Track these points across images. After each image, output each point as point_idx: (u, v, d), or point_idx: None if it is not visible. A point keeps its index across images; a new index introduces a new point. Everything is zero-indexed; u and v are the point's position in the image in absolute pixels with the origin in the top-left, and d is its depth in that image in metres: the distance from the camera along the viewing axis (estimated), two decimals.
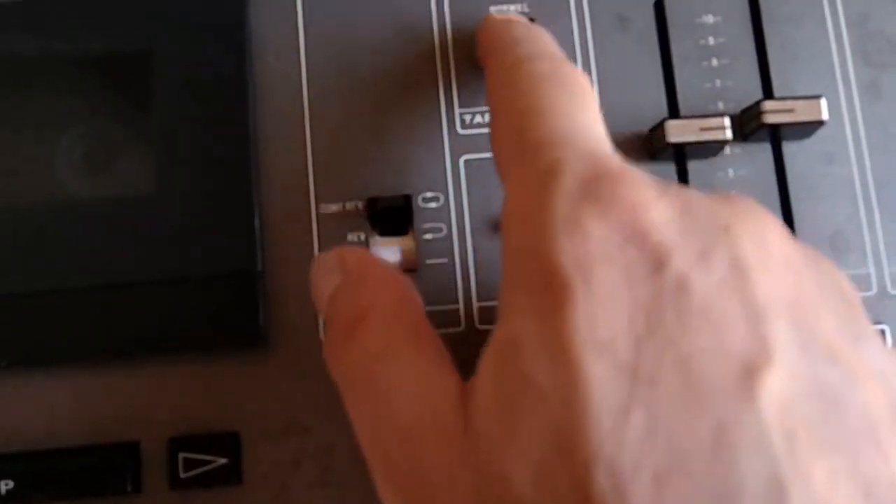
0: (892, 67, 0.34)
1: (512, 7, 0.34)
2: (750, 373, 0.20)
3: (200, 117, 0.33)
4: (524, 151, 0.24)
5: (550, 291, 0.21)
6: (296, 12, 0.34)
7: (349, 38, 0.34)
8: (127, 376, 0.32)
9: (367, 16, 0.34)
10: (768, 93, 0.33)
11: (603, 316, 0.20)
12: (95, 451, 0.31)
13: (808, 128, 0.32)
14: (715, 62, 0.33)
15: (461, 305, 0.32)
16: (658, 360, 0.20)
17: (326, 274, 0.29)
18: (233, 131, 0.33)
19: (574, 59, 0.34)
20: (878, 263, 0.32)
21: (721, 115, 0.32)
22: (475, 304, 0.32)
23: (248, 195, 0.32)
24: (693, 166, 0.33)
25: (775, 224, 0.23)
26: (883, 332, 0.31)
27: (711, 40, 0.34)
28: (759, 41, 0.33)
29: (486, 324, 0.32)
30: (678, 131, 0.31)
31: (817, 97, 0.31)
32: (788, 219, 0.33)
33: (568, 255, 0.21)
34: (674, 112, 0.33)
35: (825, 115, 0.31)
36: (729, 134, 0.31)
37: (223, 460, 0.31)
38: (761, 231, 0.22)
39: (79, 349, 0.31)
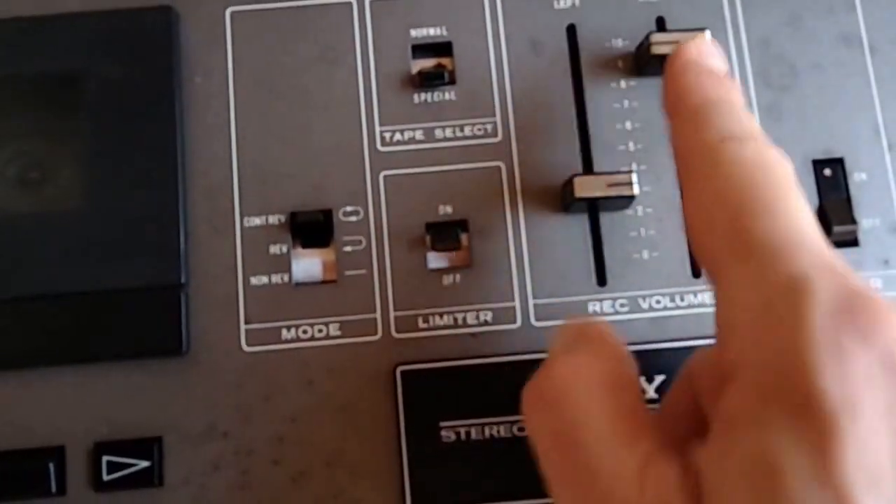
0: (791, 90, 0.35)
1: (432, 30, 0.36)
2: None
3: (130, 134, 0.34)
4: (749, 251, 0.24)
5: (816, 420, 0.20)
6: (224, 34, 0.35)
7: (274, 59, 0.35)
8: (53, 383, 0.33)
9: (291, 38, 0.35)
10: None
11: (872, 450, 0.20)
12: (21, 455, 0.32)
13: None
14: (623, 84, 0.35)
15: (378, 314, 0.34)
16: None
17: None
18: (160, 148, 0.34)
19: (490, 80, 0.35)
20: None
21: (628, 172, 0.33)
22: (392, 314, 0.34)
23: (174, 210, 0.34)
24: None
25: None
26: None
27: (620, 63, 0.35)
28: None
29: (403, 333, 0.33)
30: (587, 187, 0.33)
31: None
32: None
33: (834, 382, 0.20)
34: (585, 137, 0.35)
35: None
36: (636, 189, 0.33)
37: (145, 463, 0.32)
38: None
39: (6, 357, 0.33)
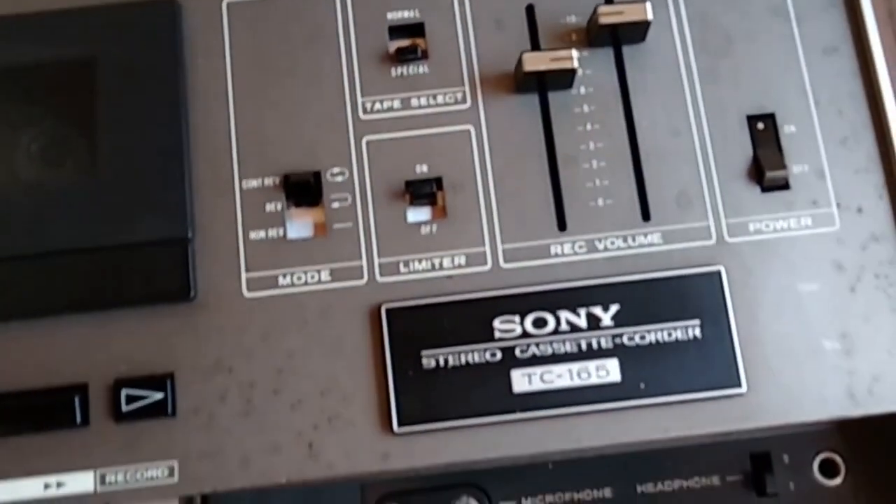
0: (727, 55, 0.40)
1: (406, 13, 0.41)
2: None
3: (140, 111, 0.39)
4: None
5: None
6: (221, 20, 0.40)
7: (267, 41, 0.40)
8: (77, 329, 0.37)
9: (281, 20, 0.40)
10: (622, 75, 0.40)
11: None
12: (49, 392, 0.37)
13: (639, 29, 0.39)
14: (576, 54, 0.39)
15: (364, 262, 0.38)
16: None
17: None
18: (167, 122, 0.39)
19: (459, 54, 0.40)
20: (716, 217, 0.38)
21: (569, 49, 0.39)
22: (376, 261, 0.38)
23: (180, 174, 0.38)
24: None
25: None
26: (719, 273, 0.37)
27: (574, 36, 0.40)
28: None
29: (386, 277, 0.38)
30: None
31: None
32: (641, 182, 0.38)
33: None
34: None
35: (650, 16, 0.39)
36: (576, 63, 0.38)
37: (159, 395, 0.36)
38: None
39: (35, 306, 0.37)
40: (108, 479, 0.36)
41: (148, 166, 0.38)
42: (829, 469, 0.39)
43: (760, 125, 0.39)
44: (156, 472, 0.36)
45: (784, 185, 0.38)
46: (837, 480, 0.39)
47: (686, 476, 0.38)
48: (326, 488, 0.39)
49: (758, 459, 0.39)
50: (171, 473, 0.36)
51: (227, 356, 0.37)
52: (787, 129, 0.39)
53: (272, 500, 0.39)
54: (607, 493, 0.38)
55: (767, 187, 0.38)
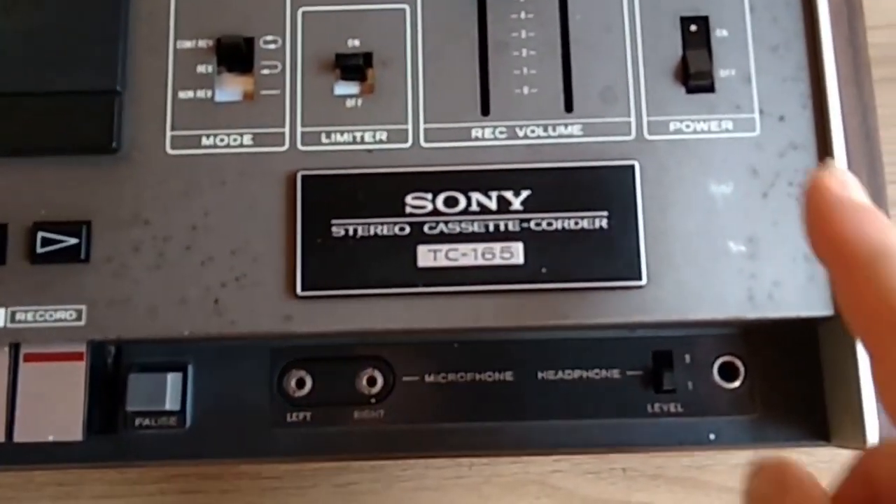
0: None
1: None
2: None
3: None
4: None
5: None
6: None
7: None
8: (2, 172, 0.38)
9: None
10: None
11: None
12: None
13: None
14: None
15: (287, 129, 0.39)
16: None
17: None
18: None
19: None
20: (638, 114, 0.38)
21: None
22: (299, 129, 0.39)
23: (115, 28, 0.39)
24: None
25: None
26: (633, 168, 0.38)
27: None
28: None
29: (307, 146, 0.38)
30: None
31: None
32: (567, 74, 0.39)
33: None
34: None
35: None
36: None
37: (74, 241, 0.37)
38: None
39: None
40: (17, 317, 0.37)
41: (85, 18, 0.39)
42: (729, 372, 0.39)
43: (693, 27, 0.39)
44: (64, 315, 0.37)
45: (709, 88, 0.38)
46: (736, 383, 0.39)
47: (587, 367, 0.39)
48: (238, 352, 0.39)
49: (659, 357, 0.39)
50: (79, 317, 0.37)
51: (144, 209, 0.38)
52: (719, 33, 0.39)
53: (185, 360, 0.39)
54: (508, 376, 0.39)
55: (692, 89, 0.38)
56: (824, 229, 0.27)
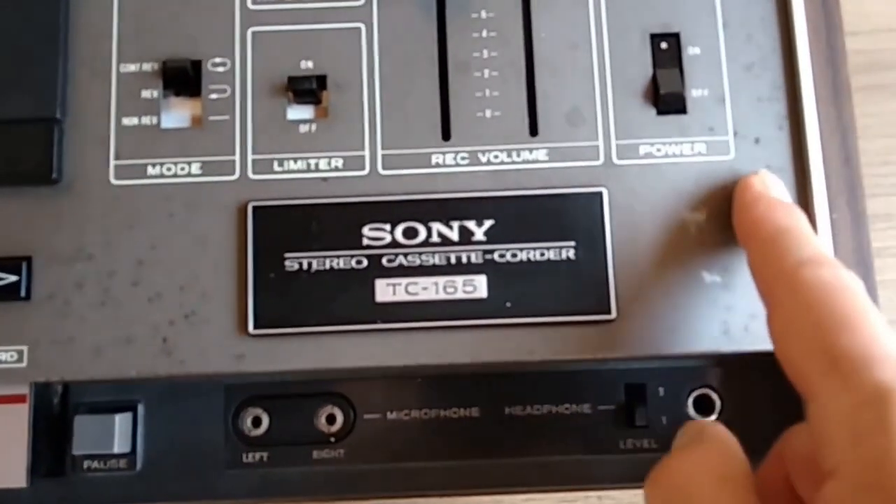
0: None
1: None
2: None
3: None
4: (834, 365, 0.25)
5: None
6: None
7: None
8: None
9: None
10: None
11: None
12: None
13: None
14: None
15: (237, 157, 0.37)
16: None
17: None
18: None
19: None
20: (606, 137, 0.37)
21: None
22: (249, 157, 0.37)
23: (54, 51, 0.37)
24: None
25: None
26: (601, 195, 0.36)
27: None
28: None
29: (259, 174, 0.36)
30: None
31: None
32: (532, 95, 0.37)
33: None
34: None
35: None
36: None
37: (14, 278, 0.35)
38: None
39: None
40: None
41: (22, 39, 0.37)
42: (704, 405, 0.38)
43: (664, 45, 0.37)
44: (4, 356, 0.35)
45: (681, 109, 0.36)
46: (712, 417, 0.37)
47: (556, 402, 0.37)
48: (191, 390, 0.38)
49: (632, 390, 0.38)
50: (20, 358, 0.35)
51: (88, 243, 0.36)
52: (690, 51, 0.37)
53: (135, 399, 0.37)
54: (474, 412, 0.37)
55: (663, 110, 0.36)
56: (744, 218, 0.33)
